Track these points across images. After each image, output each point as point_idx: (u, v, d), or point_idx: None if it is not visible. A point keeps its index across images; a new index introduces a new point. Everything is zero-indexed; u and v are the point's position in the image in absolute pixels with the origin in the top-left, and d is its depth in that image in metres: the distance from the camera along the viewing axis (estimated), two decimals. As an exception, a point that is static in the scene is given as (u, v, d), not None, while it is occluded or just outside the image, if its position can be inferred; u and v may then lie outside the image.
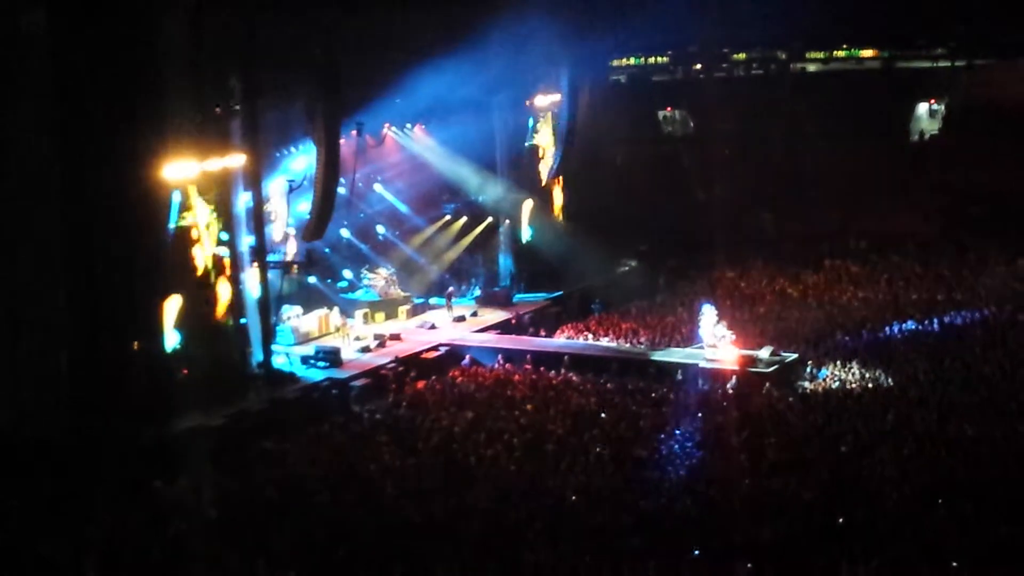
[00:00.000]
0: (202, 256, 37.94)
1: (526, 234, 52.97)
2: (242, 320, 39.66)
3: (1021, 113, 56.56)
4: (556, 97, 52.53)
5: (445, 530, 27.45)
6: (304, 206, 43.31)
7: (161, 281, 36.44)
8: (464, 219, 52.01)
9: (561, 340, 45.58)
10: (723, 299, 47.02)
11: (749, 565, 24.84)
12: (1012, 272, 49.78)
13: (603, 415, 35.51)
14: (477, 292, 51.22)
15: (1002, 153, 55.58)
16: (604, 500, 28.82)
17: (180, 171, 36.67)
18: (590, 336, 45.42)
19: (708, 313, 40.77)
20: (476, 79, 47.88)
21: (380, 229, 51.13)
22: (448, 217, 52.15)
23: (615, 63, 61.46)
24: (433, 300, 50.01)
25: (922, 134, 60.67)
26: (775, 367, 39.19)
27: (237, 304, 39.30)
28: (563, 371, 40.52)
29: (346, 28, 41.06)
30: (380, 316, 47.52)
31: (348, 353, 42.61)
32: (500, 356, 42.32)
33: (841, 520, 27.02)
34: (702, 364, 39.83)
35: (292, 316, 44.45)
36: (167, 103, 35.90)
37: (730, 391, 38.13)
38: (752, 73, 63.27)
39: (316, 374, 40.65)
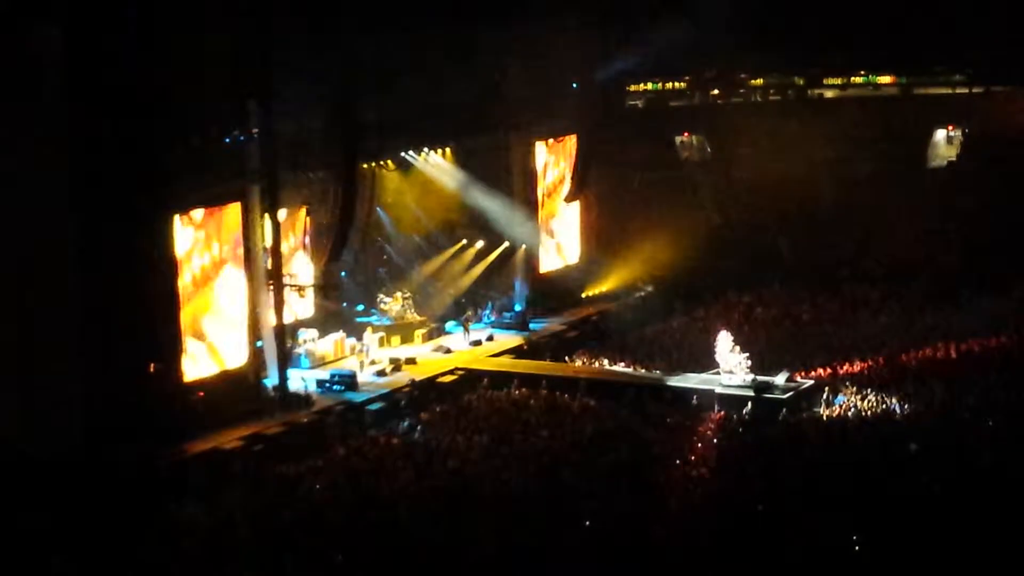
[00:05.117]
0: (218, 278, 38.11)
1: (543, 259, 52.88)
2: (258, 343, 39.71)
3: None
4: (573, 121, 52.56)
5: (460, 554, 27.41)
6: (321, 229, 43.51)
7: (177, 303, 36.51)
8: (480, 244, 51.96)
9: (577, 365, 45.50)
10: (739, 324, 46.92)
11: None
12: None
13: (618, 441, 35.45)
14: (493, 317, 51.13)
15: (1021, 179, 55.45)
16: (620, 525, 28.74)
17: (196, 191, 36.76)
18: (606, 361, 45.32)
19: (724, 339, 40.67)
20: (493, 103, 47.97)
21: (396, 253, 51.09)
22: (464, 242, 52.09)
23: (632, 88, 61.44)
24: (449, 324, 49.95)
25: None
26: (791, 393, 39.12)
27: (253, 327, 39.38)
28: (579, 396, 40.46)
29: (363, 52, 41.14)
30: (396, 340, 47.45)
31: (363, 377, 42.59)
32: (516, 380, 42.24)
33: (858, 547, 26.99)
34: (718, 390, 39.75)
35: (308, 340, 44.44)
36: (183, 124, 36.04)
37: (746, 417, 38.08)
38: (770, 98, 63.23)
39: (331, 398, 40.66)
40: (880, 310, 50.41)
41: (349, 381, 41.52)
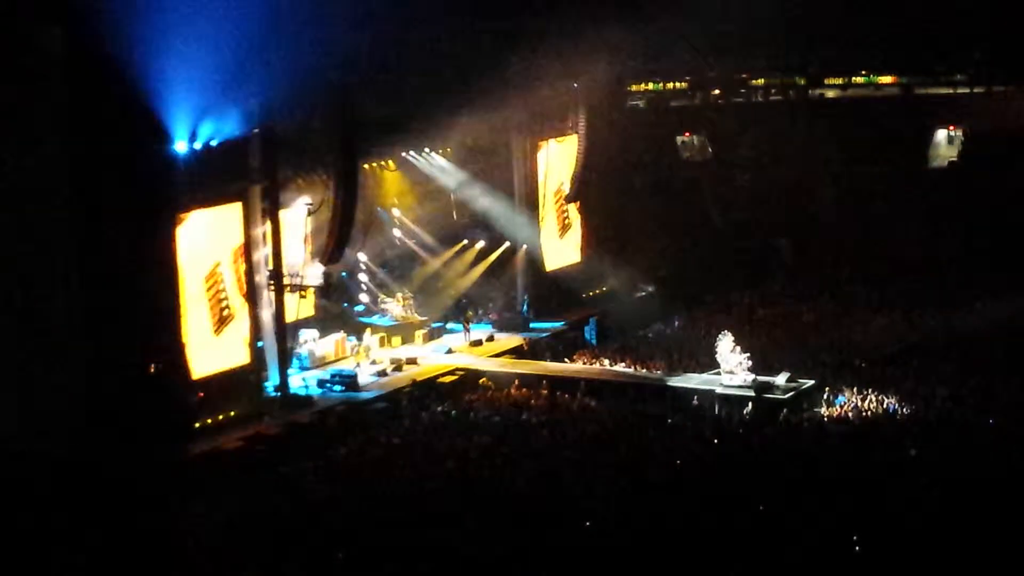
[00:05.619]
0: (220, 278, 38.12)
1: (544, 259, 52.84)
2: (259, 343, 39.69)
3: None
4: (574, 121, 52.52)
5: (461, 555, 27.39)
6: (322, 229, 43.48)
7: (178, 303, 36.49)
8: (482, 244, 51.97)
9: (578, 365, 45.49)
10: (740, 324, 46.90)
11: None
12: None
13: (619, 441, 35.45)
14: (494, 317, 51.13)
15: (1021, 179, 55.43)
16: (620, 526, 28.73)
17: (196, 191, 36.77)
18: (607, 362, 45.31)
19: (725, 339, 40.64)
20: (493, 103, 47.95)
21: (397, 253, 51.10)
22: (466, 242, 52.11)
23: (633, 88, 61.46)
24: (450, 324, 49.94)
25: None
26: (792, 393, 39.11)
27: (254, 328, 39.36)
28: (579, 396, 40.46)
29: (363, 52, 41.12)
30: (397, 340, 47.46)
31: (364, 377, 42.59)
32: (516, 380, 42.24)
33: (859, 547, 26.98)
34: (719, 390, 39.74)
35: (309, 340, 44.43)
36: (183, 124, 36.03)
37: (746, 417, 38.07)
38: (771, 99, 63.28)
39: (332, 398, 40.63)
40: (880, 310, 50.40)
41: (350, 381, 41.54)
